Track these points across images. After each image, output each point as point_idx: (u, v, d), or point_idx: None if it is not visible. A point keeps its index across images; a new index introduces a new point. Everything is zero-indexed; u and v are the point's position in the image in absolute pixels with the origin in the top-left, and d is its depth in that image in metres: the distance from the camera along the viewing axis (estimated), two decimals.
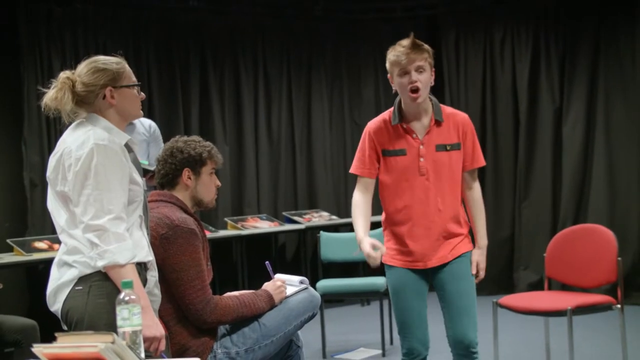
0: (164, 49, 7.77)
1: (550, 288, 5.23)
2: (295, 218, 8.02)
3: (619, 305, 4.73)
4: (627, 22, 7.38)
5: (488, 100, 8.37)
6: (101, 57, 3.09)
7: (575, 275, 5.08)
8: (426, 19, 8.82)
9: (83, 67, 3.05)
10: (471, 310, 3.77)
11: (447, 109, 3.79)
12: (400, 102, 3.72)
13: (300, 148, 8.56)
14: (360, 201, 3.80)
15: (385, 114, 3.79)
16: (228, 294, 3.79)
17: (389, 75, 3.68)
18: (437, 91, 8.74)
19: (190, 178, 3.66)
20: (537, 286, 7.64)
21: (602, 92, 7.60)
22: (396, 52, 3.61)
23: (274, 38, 8.46)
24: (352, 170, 3.86)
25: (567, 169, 7.82)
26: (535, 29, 8.04)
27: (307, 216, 8.10)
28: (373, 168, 3.79)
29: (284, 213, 8.18)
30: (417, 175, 3.68)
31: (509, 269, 8.20)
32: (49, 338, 2.22)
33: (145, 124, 5.59)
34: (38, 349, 2.09)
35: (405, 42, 3.61)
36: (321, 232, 6.82)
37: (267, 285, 3.79)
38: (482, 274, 3.83)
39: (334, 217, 8.31)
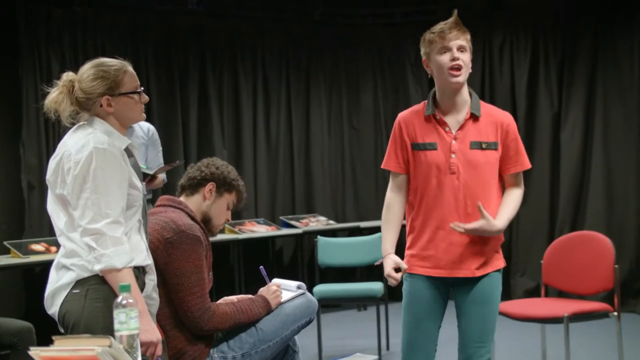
0: (163, 52, 7.77)
1: (547, 295, 5.23)
2: (293, 222, 8.01)
3: (615, 313, 4.74)
4: (625, 29, 7.40)
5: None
6: (104, 61, 3.08)
7: (572, 282, 5.08)
8: (425, 25, 8.73)
9: (85, 71, 3.05)
10: (488, 337, 3.44)
11: (487, 106, 3.49)
12: (434, 92, 3.43)
13: (298, 153, 8.57)
14: (391, 203, 3.49)
15: (419, 105, 3.49)
16: (225, 298, 3.80)
17: (424, 60, 3.41)
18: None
19: (211, 193, 3.69)
20: (533, 293, 7.64)
21: (600, 97, 7.61)
22: (437, 29, 3.35)
23: (273, 42, 8.47)
24: (383, 165, 3.54)
25: (564, 175, 7.82)
26: (533, 34, 8.05)
27: (304, 221, 8.10)
28: (405, 162, 3.46)
29: (281, 217, 8.17)
30: (447, 173, 3.34)
31: (506, 275, 8.17)
32: (45, 341, 2.22)
33: (144, 128, 5.59)
34: (35, 351, 2.09)
35: (445, 21, 3.39)
36: (318, 236, 6.82)
37: (262, 291, 3.79)
38: (459, 229, 3.32)
39: (331, 221, 8.31)
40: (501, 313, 4.83)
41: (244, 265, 7.62)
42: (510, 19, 8.23)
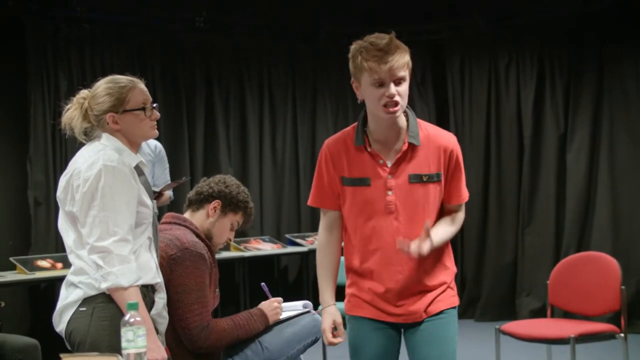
0: (170, 70, 7.80)
1: (552, 315, 5.21)
2: (298, 240, 8.01)
3: (622, 334, 4.72)
4: (631, 49, 7.40)
5: (493, 126, 8.38)
6: (114, 78, 3.11)
7: (578, 303, 5.07)
8: (431, 44, 8.84)
9: (97, 87, 3.08)
10: None
11: (429, 128, 3.00)
12: (365, 116, 2.97)
13: (304, 170, 8.57)
14: (325, 245, 3.05)
15: (347, 131, 3.02)
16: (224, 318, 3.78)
17: (352, 80, 2.93)
18: (442, 116, 8.79)
19: (215, 210, 3.68)
20: (539, 313, 7.61)
21: (607, 118, 7.61)
22: (370, 57, 2.83)
23: (279, 60, 8.50)
24: (309, 201, 3.10)
25: (570, 196, 7.81)
26: (540, 55, 8.06)
27: (309, 239, 8.10)
28: (336, 197, 3.00)
29: (286, 235, 8.17)
30: (383, 213, 2.91)
31: (512, 295, 8.17)
32: (51, 358, 2.22)
33: (151, 145, 5.61)
34: None
35: (381, 42, 2.86)
36: None
37: (263, 305, 3.79)
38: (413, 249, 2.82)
39: None
40: (507, 333, 4.83)
41: (249, 283, 7.61)
42: (516, 40, 8.24)
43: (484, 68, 8.44)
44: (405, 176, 2.91)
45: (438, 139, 2.98)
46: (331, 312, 2.97)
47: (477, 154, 8.43)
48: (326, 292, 3.02)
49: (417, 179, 2.91)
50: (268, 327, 3.74)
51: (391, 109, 2.83)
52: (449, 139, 3.01)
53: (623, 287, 4.83)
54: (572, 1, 7.73)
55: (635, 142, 7.38)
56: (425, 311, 2.97)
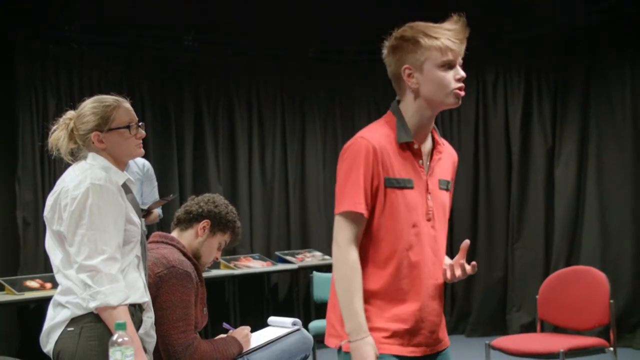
0: (159, 89, 7.81)
1: (542, 330, 5.23)
2: (288, 258, 8.01)
3: (611, 348, 4.74)
4: (617, 64, 7.45)
5: (481, 141, 8.42)
6: (100, 97, 3.13)
7: (567, 318, 5.09)
8: None
9: (82, 108, 3.10)
10: None
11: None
12: (399, 110, 2.66)
13: (293, 188, 8.58)
14: (356, 262, 2.53)
15: (382, 125, 2.66)
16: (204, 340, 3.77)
17: (406, 67, 2.60)
18: None
19: (204, 230, 3.68)
20: (529, 328, 7.63)
21: (594, 132, 7.65)
22: (442, 35, 2.58)
23: (268, 78, 8.52)
24: (349, 207, 2.52)
25: (559, 210, 7.84)
26: (527, 71, 8.11)
27: (299, 256, 8.10)
28: (370, 202, 2.57)
29: (276, 253, 8.17)
30: (424, 220, 2.61)
31: (502, 310, 8.18)
32: None
33: (139, 163, 5.61)
34: None
35: (453, 23, 2.64)
36: (314, 272, 6.82)
37: (234, 332, 3.78)
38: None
39: (326, 257, 8.30)
40: (497, 348, 4.84)
41: (239, 301, 7.60)
42: (503, 56, 8.29)
43: (472, 84, 8.48)
44: (437, 180, 2.69)
45: (449, 148, 2.83)
46: (371, 342, 2.48)
47: (465, 170, 8.46)
48: (363, 319, 2.49)
49: (444, 185, 2.71)
50: (255, 349, 3.74)
51: (462, 93, 2.61)
52: (453, 149, 2.87)
53: (612, 300, 4.85)
54: (558, 18, 7.79)
55: (622, 155, 7.42)
56: (446, 336, 2.75)
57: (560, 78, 7.88)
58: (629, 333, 7.22)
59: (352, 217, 2.52)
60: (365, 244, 2.58)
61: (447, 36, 2.58)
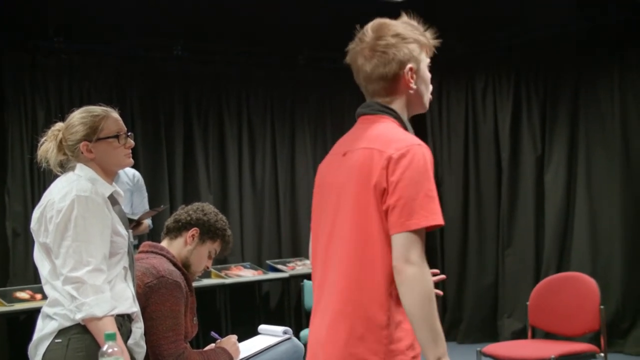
0: (149, 98, 7.80)
1: (534, 336, 5.25)
2: (279, 266, 8.00)
3: (602, 354, 4.75)
4: (606, 71, 7.48)
5: (470, 148, 8.45)
6: (88, 108, 3.13)
7: (558, 324, 5.10)
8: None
9: (71, 119, 3.10)
10: None
11: None
12: (400, 116, 2.54)
13: (284, 196, 8.58)
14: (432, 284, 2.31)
15: (406, 132, 2.52)
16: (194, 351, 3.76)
17: (411, 67, 2.48)
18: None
19: (193, 238, 3.67)
20: (521, 334, 7.63)
21: (583, 138, 7.67)
22: (430, 35, 2.56)
23: (258, 87, 8.52)
24: (428, 220, 2.28)
25: (549, 217, 7.85)
26: (516, 78, 8.13)
27: (290, 264, 8.09)
28: None
29: (267, 261, 8.16)
30: None
31: (493, 316, 8.19)
32: None
33: (129, 174, 5.61)
34: None
35: (415, 21, 2.59)
36: (305, 280, 6.82)
37: (222, 342, 3.77)
38: None
39: None
40: (489, 355, 4.84)
41: (231, 310, 7.59)
42: (493, 63, 8.32)
43: (461, 91, 8.52)
44: None
45: None
46: None
47: (455, 177, 8.49)
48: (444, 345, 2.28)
49: None
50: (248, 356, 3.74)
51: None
52: None
53: (602, 306, 4.86)
54: (547, 25, 7.82)
55: (612, 161, 7.45)
56: None
57: (549, 85, 7.91)
58: (620, 338, 7.24)
59: (423, 231, 2.28)
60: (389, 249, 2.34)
61: (430, 35, 2.53)
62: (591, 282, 4.99)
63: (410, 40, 2.50)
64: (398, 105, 2.52)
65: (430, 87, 2.56)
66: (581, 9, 7.59)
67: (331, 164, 2.61)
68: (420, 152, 2.35)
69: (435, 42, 2.55)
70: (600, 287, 5.00)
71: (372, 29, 2.54)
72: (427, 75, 2.54)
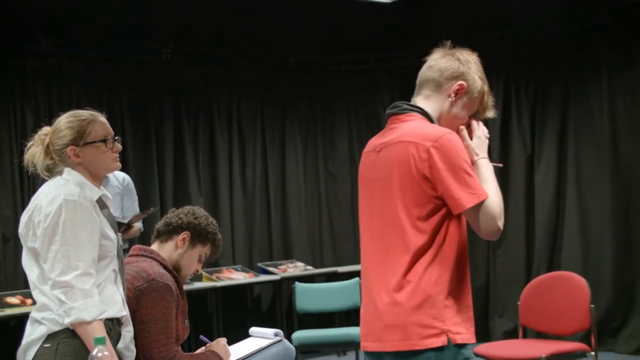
0: (139, 101, 7.80)
1: (525, 336, 5.26)
2: (271, 269, 8.00)
3: (592, 353, 4.77)
4: (595, 72, 7.51)
5: None
6: (75, 112, 3.12)
7: (549, 323, 5.11)
8: (399, 70, 8.94)
9: (58, 123, 3.10)
10: None
11: None
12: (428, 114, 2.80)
13: (274, 199, 8.58)
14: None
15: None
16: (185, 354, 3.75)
17: (462, 84, 2.79)
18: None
19: (183, 242, 3.66)
20: (512, 334, 7.65)
21: (573, 140, 7.70)
22: (488, 92, 2.86)
23: (249, 89, 8.52)
24: (483, 195, 2.62)
25: (540, 217, 7.87)
26: (505, 79, 8.15)
27: (282, 267, 8.09)
28: None
29: (259, 264, 8.15)
30: None
31: (485, 317, 8.20)
32: None
33: (119, 177, 5.59)
34: None
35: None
36: (296, 282, 6.83)
37: (211, 346, 3.76)
38: None
39: (309, 267, 8.30)
40: (480, 355, 4.85)
41: (222, 313, 7.59)
42: (482, 63, 8.31)
43: None
44: None
45: None
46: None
47: None
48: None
49: None
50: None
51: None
52: None
53: (592, 305, 4.87)
54: (535, 27, 7.85)
55: (601, 161, 7.47)
56: None
57: (539, 86, 7.93)
58: (611, 337, 7.26)
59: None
60: (439, 229, 2.64)
61: (490, 99, 2.86)
62: (581, 281, 5.01)
63: (481, 78, 2.83)
64: (433, 105, 2.79)
65: (458, 124, 2.79)
66: (570, 11, 7.62)
67: (367, 161, 2.86)
68: (453, 139, 2.62)
69: (490, 107, 2.86)
70: (591, 286, 5.02)
71: (461, 48, 2.94)
72: (464, 113, 2.79)
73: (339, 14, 8.13)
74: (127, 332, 3.09)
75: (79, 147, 3.04)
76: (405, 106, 2.79)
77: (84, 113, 3.12)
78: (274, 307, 8.29)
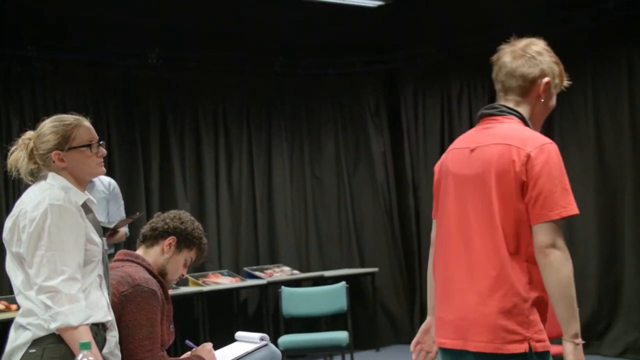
0: (124, 106, 7.78)
1: None
2: (257, 273, 7.99)
3: None
4: (578, 75, 7.54)
5: None
6: (59, 117, 3.11)
7: None
8: (385, 74, 8.96)
9: (42, 127, 3.08)
10: None
11: None
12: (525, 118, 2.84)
13: (261, 203, 8.57)
14: None
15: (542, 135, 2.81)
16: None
17: (548, 80, 2.82)
18: (397, 146, 8.89)
19: (170, 247, 3.65)
20: None
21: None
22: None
23: (234, 94, 8.52)
24: (572, 210, 2.66)
25: None
26: (490, 82, 8.09)
27: (268, 271, 8.09)
28: None
29: (245, 268, 8.15)
30: None
31: None
32: None
33: (105, 182, 5.58)
34: None
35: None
36: (283, 287, 6.82)
37: (197, 350, 3.76)
38: None
39: (295, 271, 8.30)
40: None
41: (209, 318, 7.57)
42: (468, 67, 8.36)
43: (437, 96, 8.56)
44: None
45: None
46: None
47: (432, 182, 8.49)
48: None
49: None
50: None
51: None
52: None
53: (578, 308, 4.88)
54: (520, 31, 7.86)
55: (586, 166, 7.51)
56: None
57: None
58: (597, 340, 7.29)
59: (560, 221, 2.62)
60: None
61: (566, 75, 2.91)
62: None
63: (556, 62, 2.86)
64: (524, 109, 2.82)
65: (551, 109, 2.90)
66: (553, 15, 7.66)
67: (457, 158, 2.84)
68: (554, 150, 2.69)
69: (567, 84, 2.91)
70: (576, 288, 5.02)
71: (525, 39, 2.90)
72: (553, 101, 2.87)
73: (324, 18, 8.15)
74: (112, 337, 3.08)
75: (64, 152, 3.02)
76: (504, 108, 2.82)
77: (69, 117, 3.10)
78: (261, 311, 8.28)
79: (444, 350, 2.79)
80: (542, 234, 2.59)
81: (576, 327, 2.64)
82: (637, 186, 7.26)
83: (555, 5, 7.66)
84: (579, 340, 2.65)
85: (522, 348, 2.61)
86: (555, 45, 3.01)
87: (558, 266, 2.58)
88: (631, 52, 7.30)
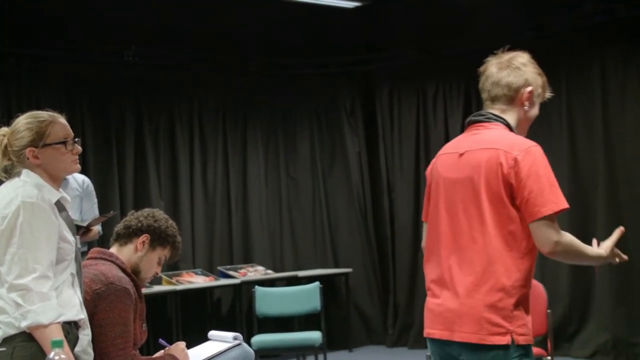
0: (99, 104, 7.75)
1: None
2: (231, 273, 7.98)
3: (549, 357, 4.82)
4: (553, 80, 7.55)
5: (422, 153, 8.52)
6: (34, 113, 3.09)
7: None
8: (360, 75, 8.98)
9: (16, 124, 3.06)
10: None
11: None
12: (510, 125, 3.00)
13: (235, 202, 8.56)
14: (572, 237, 2.87)
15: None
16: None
17: (531, 90, 3.01)
18: (372, 147, 8.91)
19: (143, 245, 3.63)
20: None
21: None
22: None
23: (210, 92, 8.51)
24: (563, 204, 2.83)
25: None
26: (466, 84, 8.22)
27: (242, 271, 8.08)
28: None
29: (219, 268, 8.13)
30: None
31: None
32: None
33: (79, 180, 5.54)
34: None
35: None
36: (256, 286, 6.82)
37: (170, 349, 3.75)
38: None
39: (269, 271, 8.29)
40: None
41: (182, 317, 7.55)
42: (443, 69, 8.41)
43: (413, 97, 8.60)
44: None
45: None
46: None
47: (407, 183, 8.55)
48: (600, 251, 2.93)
49: None
50: None
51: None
52: None
53: (549, 310, 4.93)
54: (495, 34, 7.93)
55: (559, 171, 7.52)
56: None
57: None
58: (567, 342, 7.36)
59: (555, 215, 2.79)
60: (520, 234, 2.79)
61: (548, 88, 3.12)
62: (538, 286, 5.05)
63: (540, 74, 3.06)
64: (510, 116, 2.99)
65: (534, 118, 3.08)
66: (529, 20, 7.72)
67: (447, 162, 3.01)
68: (539, 152, 2.86)
69: (549, 95, 3.15)
70: (548, 291, 5.07)
71: (511, 52, 3.12)
72: (536, 110, 3.05)
73: (300, 18, 8.16)
74: (85, 335, 3.07)
75: (38, 149, 3.01)
76: (491, 115, 2.97)
77: (43, 114, 3.09)
78: (234, 310, 8.28)
79: (432, 341, 2.96)
80: (539, 231, 2.76)
81: (604, 259, 2.90)
82: (609, 191, 7.33)
83: (530, 8, 7.72)
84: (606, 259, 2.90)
85: (504, 340, 2.73)
86: (530, 49, 3.09)
87: (565, 255, 2.81)
88: (604, 56, 7.38)
